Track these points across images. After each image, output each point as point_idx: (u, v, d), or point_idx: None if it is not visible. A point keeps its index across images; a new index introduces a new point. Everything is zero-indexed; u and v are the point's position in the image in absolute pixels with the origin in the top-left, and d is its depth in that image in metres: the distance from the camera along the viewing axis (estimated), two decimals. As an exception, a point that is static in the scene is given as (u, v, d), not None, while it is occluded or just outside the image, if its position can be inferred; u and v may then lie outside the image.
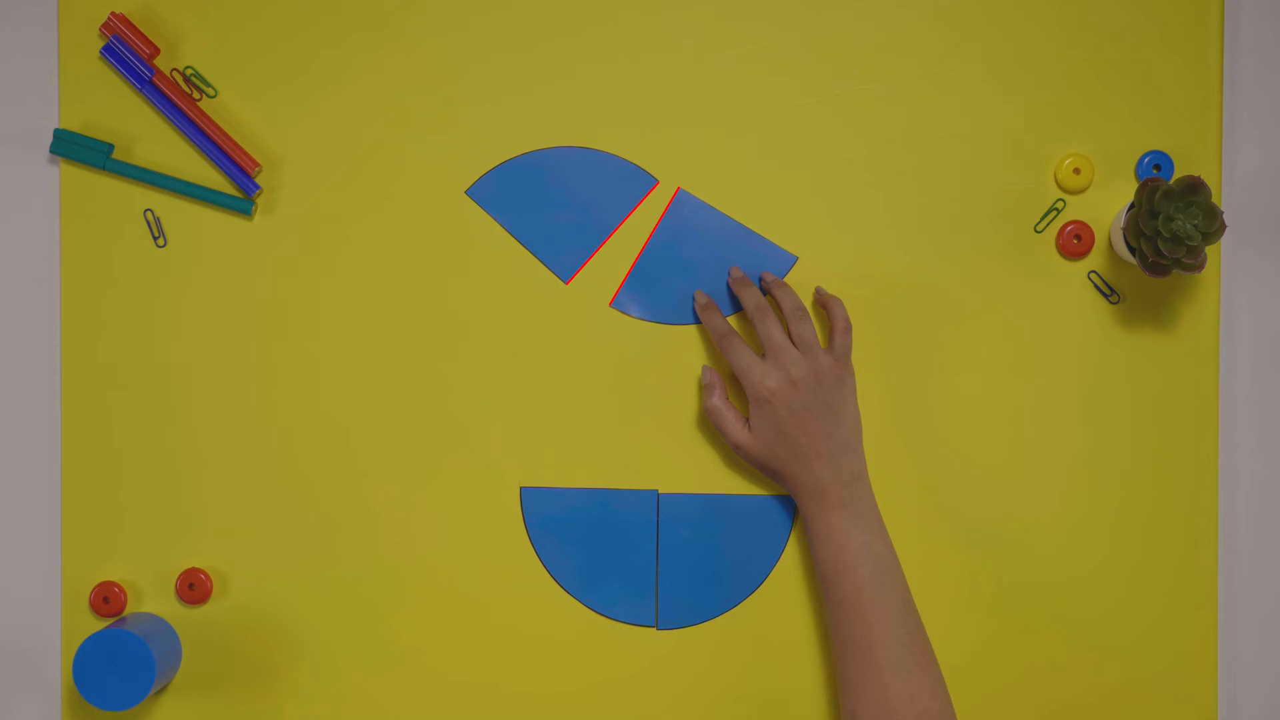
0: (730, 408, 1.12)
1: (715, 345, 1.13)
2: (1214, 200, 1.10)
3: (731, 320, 1.15)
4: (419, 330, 1.16)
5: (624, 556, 1.15)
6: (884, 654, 1.04)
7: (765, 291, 1.14)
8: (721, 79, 1.16)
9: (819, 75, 1.16)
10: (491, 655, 1.15)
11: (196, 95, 1.16)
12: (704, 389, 1.13)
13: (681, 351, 1.16)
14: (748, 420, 1.11)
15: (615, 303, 1.16)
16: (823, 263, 1.15)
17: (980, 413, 1.15)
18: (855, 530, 1.07)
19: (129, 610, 1.15)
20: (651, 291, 1.16)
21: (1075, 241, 1.15)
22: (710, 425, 1.15)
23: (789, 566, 1.15)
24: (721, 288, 1.16)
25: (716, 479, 1.15)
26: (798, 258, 1.15)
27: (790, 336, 1.11)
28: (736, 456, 1.14)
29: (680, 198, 1.16)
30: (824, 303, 1.13)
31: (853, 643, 1.05)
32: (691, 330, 1.16)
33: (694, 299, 1.15)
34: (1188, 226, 1.05)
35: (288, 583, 1.15)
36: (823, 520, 1.08)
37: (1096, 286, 1.15)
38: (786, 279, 1.15)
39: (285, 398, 1.15)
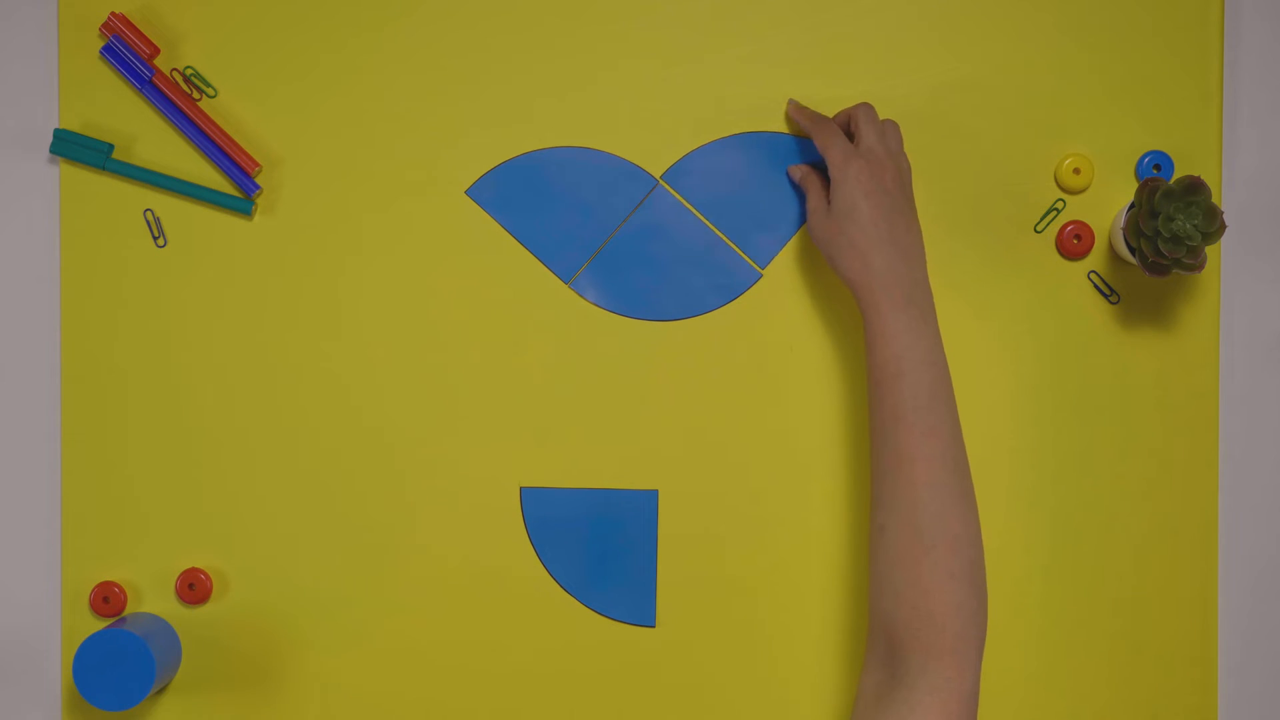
0: (819, 177, 1.11)
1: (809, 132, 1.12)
2: (1214, 200, 1.10)
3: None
4: (419, 330, 1.16)
5: (624, 556, 1.15)
6: (924, 470, 0.99)
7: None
8: (722, 79, 1.16)
9: (819, 75, 1.16)
10: (492, 655, 1.15)
11: (196, 95, 1.16)
12: (800, 179, 1.13)
13: (682, 351, 1.16)
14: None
15: (574, 284, 1.16)
16: (823, 261, 1.15)
17: (980, 412, 1.15)
18: (923, 334, 1.03)
19: (129, 610, 1.15)
20: (611, 280, 1.16)
21: (1075, 241, 1.15)
22: (711, 426, 1.15)
23: (791, 566, 1.15)
24: (681, 291, 1.15)
25: (717, 478, 1.15)
26: (762, 275, 1.15)
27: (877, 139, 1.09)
28: (742, 454, 1.14)
29: (658, 193, 1.16)
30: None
31: (895, 454, 1.01)
32: (679, 326, 1.16)
33: (788, 106, 1.14)
34: (1188, 226, 1.05)
35: (288, 583, 1.15)
36: (890, 318, 1.03)
37: (1096, 286, 1.15)
38: (744, 297, 1.15)
39: (285, 398, 1.15)
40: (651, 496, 1.15)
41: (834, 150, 1.08)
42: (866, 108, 1.11)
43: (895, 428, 1.01)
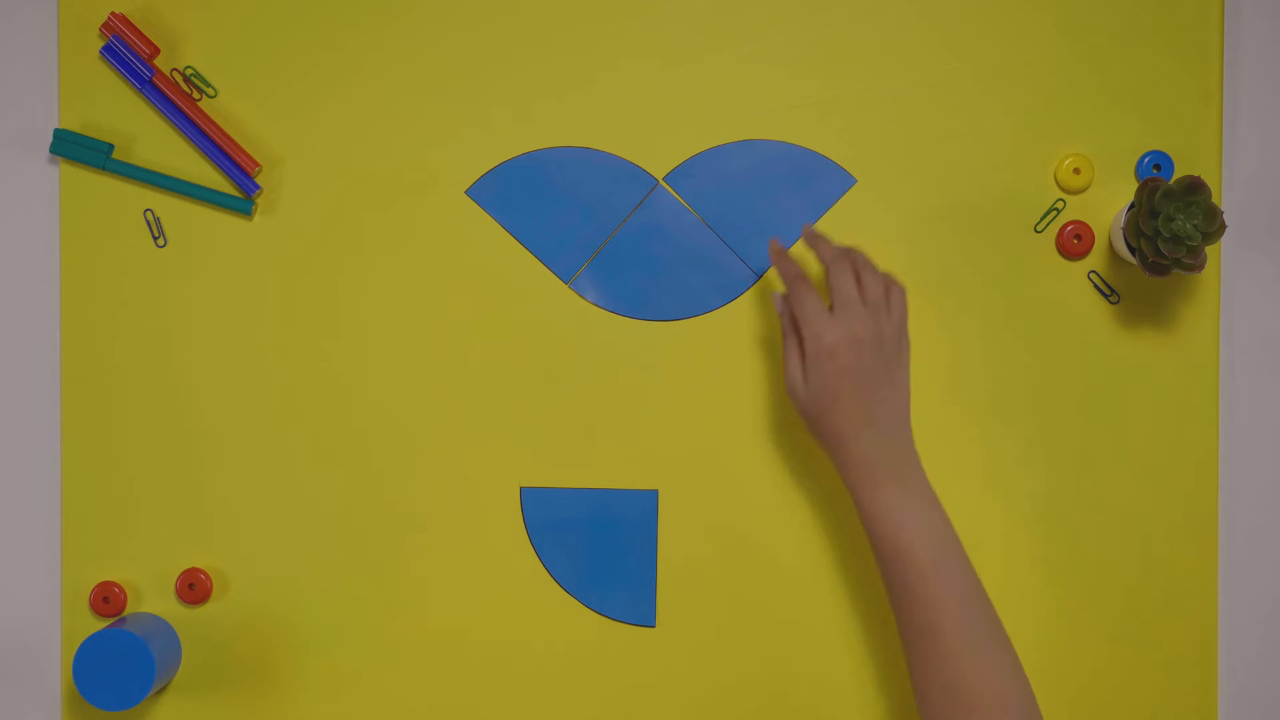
0: (799, 340, 1.07)
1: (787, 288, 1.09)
2: (1214, 200, 1.10)
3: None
4: (419, 330, 1.16)
5: (624, 556, 1.15)
6: (951, 637, 0.99)
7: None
8: (722, 79, 1.16)
9: (819, 75, 1.16)
10: (491, 655, 1.15)
11: (196, 95, 1.16)
12: (780, 315, 1.09)
13: (682, 351, 1.16)
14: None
15: (574, 284, 1.16)
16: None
17: (980, 412, 1.15)
18: (912, 506, 1.02)
19: (129, 610, 1.15)
20: (611, 280, 1.16)
21: (1075, 241, 1.15)
22: (711, 426, 1.15)
23: (791, 566, 1.15)
24: (680, 292, 1.15)
25: (717, 478, 1.15)
26: (758, 276, 1.15)
27: (862, 292, 1.06)
28: (742, 454, 1.15)
29: (658, 194, 1.16)
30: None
31: (918, 626, 1.00)
32: (679, 326, 1.16)
33: (769, 246, 1.11)
34: (1188, 226, 1.05)
35: (288, 583, 1.15)
36: (876, 497, 1.03)
37: (1096, 286, 1.15)
38: (744, 297, 1.15)
39: (285, 397, 1.15)
40: (651, 496, 1.15)
41: (809, 325, 1.05)
42: (839, 260, 1.07)
43: (909, 602, 1.01)
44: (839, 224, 1.15)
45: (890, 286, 1.08)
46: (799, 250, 1.14)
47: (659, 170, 1.16)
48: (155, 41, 1.15)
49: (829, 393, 1.04)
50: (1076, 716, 1.15)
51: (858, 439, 1.04)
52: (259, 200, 1.16)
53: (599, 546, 1.15)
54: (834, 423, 1.04)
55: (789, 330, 1.08)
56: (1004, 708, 0.98)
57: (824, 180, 1.15)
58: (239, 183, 1.15)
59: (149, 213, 1.16)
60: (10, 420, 1.16)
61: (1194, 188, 1.05)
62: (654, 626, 1.15)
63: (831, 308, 1.06)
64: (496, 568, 1.15)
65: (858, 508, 1.04)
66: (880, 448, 1.04)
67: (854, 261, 1.08)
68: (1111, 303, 1.15)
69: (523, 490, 1.15)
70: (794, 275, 1.08)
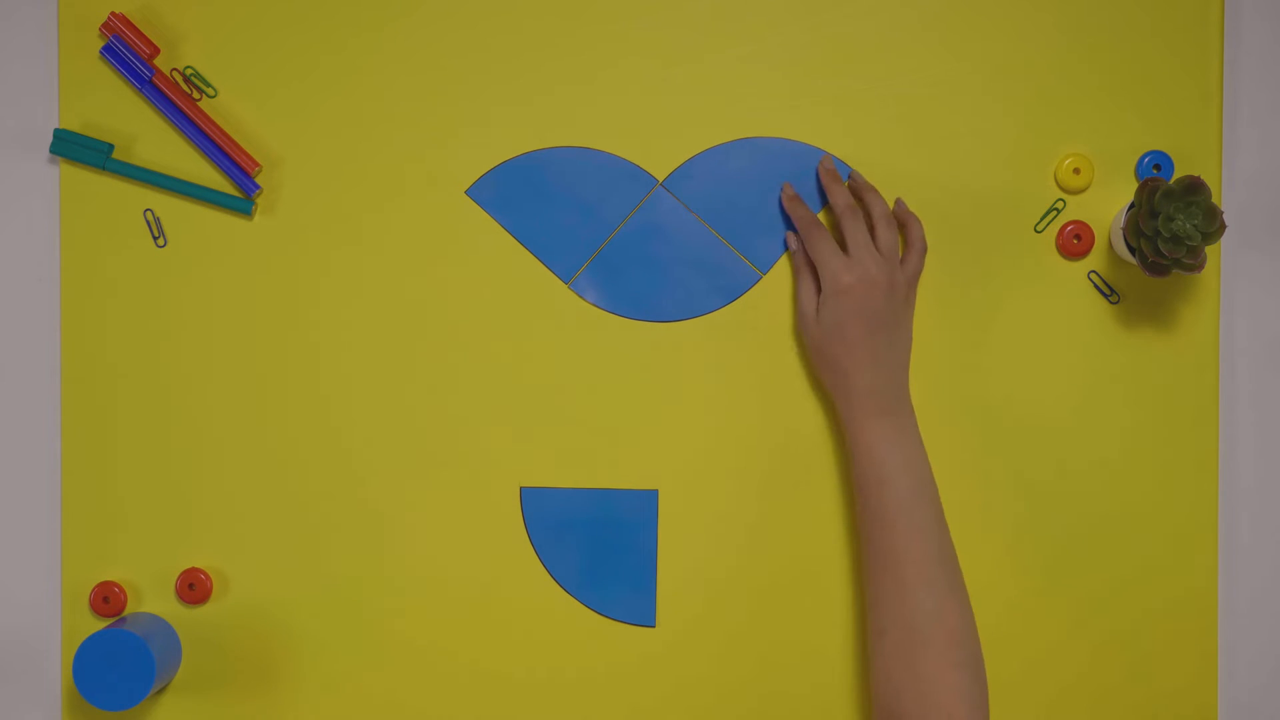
0: (811, 271, 1.12)
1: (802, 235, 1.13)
2: (1214, 200, 1.10)
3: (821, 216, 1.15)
4: (419, 330, 1.16)
5: (623, 556, 1.15)
6: (915, 571, 1.04)
7: (855, 195, 1.14)
8: (722, 79, 1.16)
9: (819, 75, 1.16)
10: (492, 655, 1.15)
11: (196, 95, 1.16)
12: (793, 253, 1.14)
13: (682, 352, 1.16)
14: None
15: (574, 284, 1.16)
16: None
17: (979, 413, 1.15)
18: (900, 441, 1.08)
19: (129, 610, 1.15)
20: (611, 281, 1.16)
21: (1075, 241, 1.15)
22: (711, 427, 1.15)
23: (791, 566, 1.15)
24: (681, 292, 1.15)
25: (717, 478, 1.15)
26: (760, 277, 1.15)
27: (875, 242, 1.11)
28: (742, 454, 1.15)
29: (657, 195, 1.16)
30: (903, 220, 1.13)
31: (885, 557, 1.05)
32: (679, 327, 1.16)
33: (781, 190, 1.14)
34: (1188, 226, 1.05)
35: (288, 583, 1.15)
36: (868, 427, 1.08)
37: (1096, 286, 1.15)
38: (744, 298, 1.15)
39: (285, 398, 1.15)
40: (651, 496, 1.15)
41: (826, 265, 1.10)
42: (853, 213, 1.12)
43: (882, 531, 1.06)
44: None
45: (913, 244, 1.12)
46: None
47: (659, 170, 1.16)
48: (155, 41, 1.15)
49: (840, 328, 1.09)
50: (1077, 716, 1.15)
51: (860, 373, 1.08)
52: (259, 200, 1.16)
53: (599, 546, 1.15)
54: (841, 356, 1.09)
55: (803, 267, 1.13)
56: (958, 645, 1.02)
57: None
58: (239, 183, 1.15)
59: (149, 213, 1.16)
60: (10, 420, 1.16)
61: (1194, 188, 1.05)
62: (654, 626, 1.15)
63: (847, 251, 1.10)
64: (497, 568, 1.15)
65: (849, 438, 1.09)
66: (880, 384, 1.09)
67: (872, 212, 1.12)
68: (1111, 303, 1.15)
69: (523, 490, 1.15)
70: (810, 221, 1.12)
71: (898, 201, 1.14)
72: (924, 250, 1.12)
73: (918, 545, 1.04)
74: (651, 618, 1.15)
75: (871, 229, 1.12)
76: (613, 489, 1.15)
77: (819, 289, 1.12)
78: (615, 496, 1.15)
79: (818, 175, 1.15)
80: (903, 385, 1.10)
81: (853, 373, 1.09)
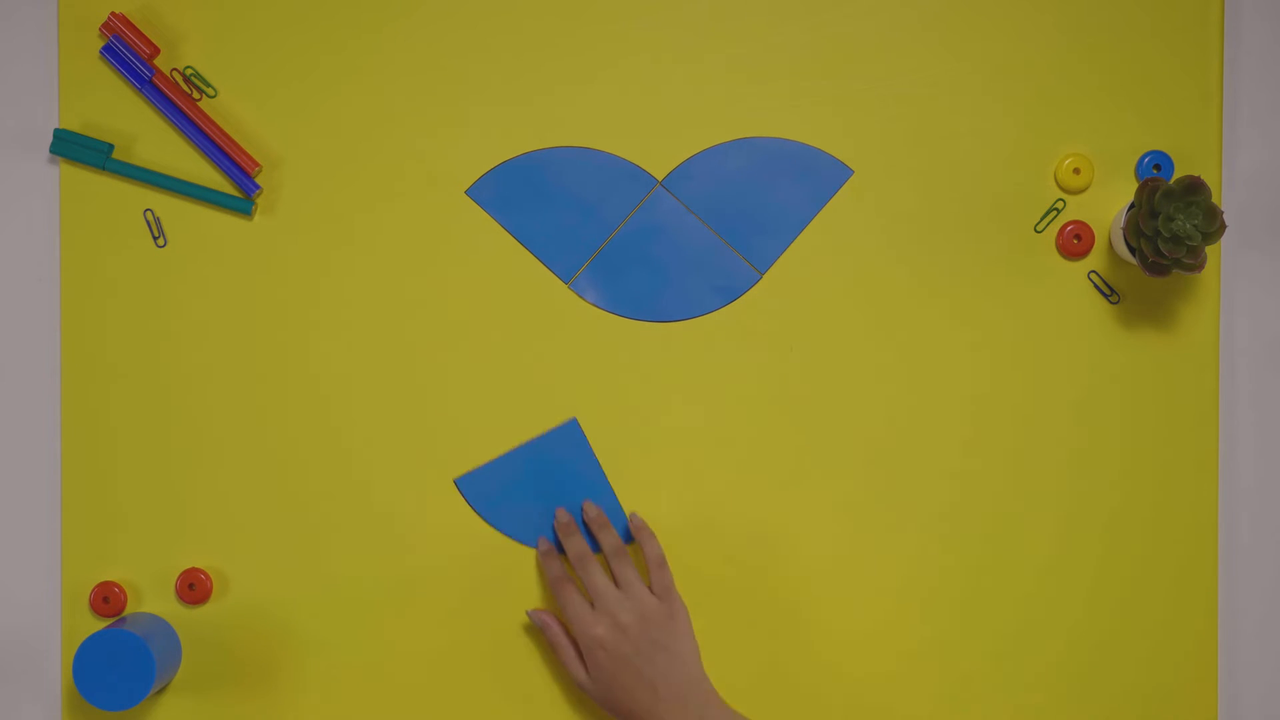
0: (572, 645, 1.12)
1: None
2: (1214, 200, 1.10)
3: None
4: (419, 330, 1.16)
5: (577, 490, 1.15)
6: None
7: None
8: (721, 79, 1.16)
9: (819, 75, 1.16)
10: (492, 655, 1.15)
11: (196, 95, 1.16)
12: (544, 628, 1.12)
13: (682, 352, 1.16)
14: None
15: (574, 285, 1.16)
16: (823, 262, 1.15)
17: (980, 413, 1.15)
18: None
19: (129, 610, 1.15)
20: (611, 281, 1.16)
21: (1075, 241, 1.15)
22: (711, 427, 1.15)
23: (791, 564, 1.15)
24: (681, 293, 1.15)
25: (717, 479, 1.15)
26: (760, 276, 1.15)
27: (614, 579, 1.11)
28: (742, 455, 1.15)
29: (657, 195, 1.16)
30: (637, 535, 1.13)
31: None
32: (679, 327, 1.16)
33: (539, 546, 1.14)
34: (1188, 226, 1.05)
35: (288, 583, 1.15)
36: None
37: (1096, 286, 1.15)
38: (744, 298, 1.15)
39: (285, 398, 1.15)
40: (572, 424, 1.15)
41: (576, 622, 1.10)
42: (584, 560, 1.11)
43: None
44: (840, 225, 1.15)
45: (650, 559, 1.12)
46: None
47: (659, 170, 1.16)
48: (155, 41, 1.15)
49: (612, 681, 1.09)
50: (1076, 716, 1.15)
51: (653, 715, 1.07)
52: (259, 200, 1.16)
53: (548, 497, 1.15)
54: (626, 707, 1.08)
55: (559, 635, 1.12)
56: None
57: (821, 174, 1.15)
58: (239, 183, 1.15)
59: (149, 213, 1.16)
60: (10, 420, 1.16)
61: (1194, 188, 1.05)
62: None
63: (592, 605, 1.11)
64: (497, 567, 1.15)
65: None
66: (677, 709, 1.07)
67: (604, 549, 1.12)
68: (1111, 303, 1.15)
69: (458, 481, 1.15)
70: (558, 578, 1.12)
71: (631, 517, 1.14)
72: (663, 562, 1.12)
73: None
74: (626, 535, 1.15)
75: (610, 566, 1.12)
76: (535, 437, 1.15)
77: (578, 650, 1.11)
78: (541, 443, 1.15)
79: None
80: (702, 703, 1.08)
81: (648, 714, 1.07)
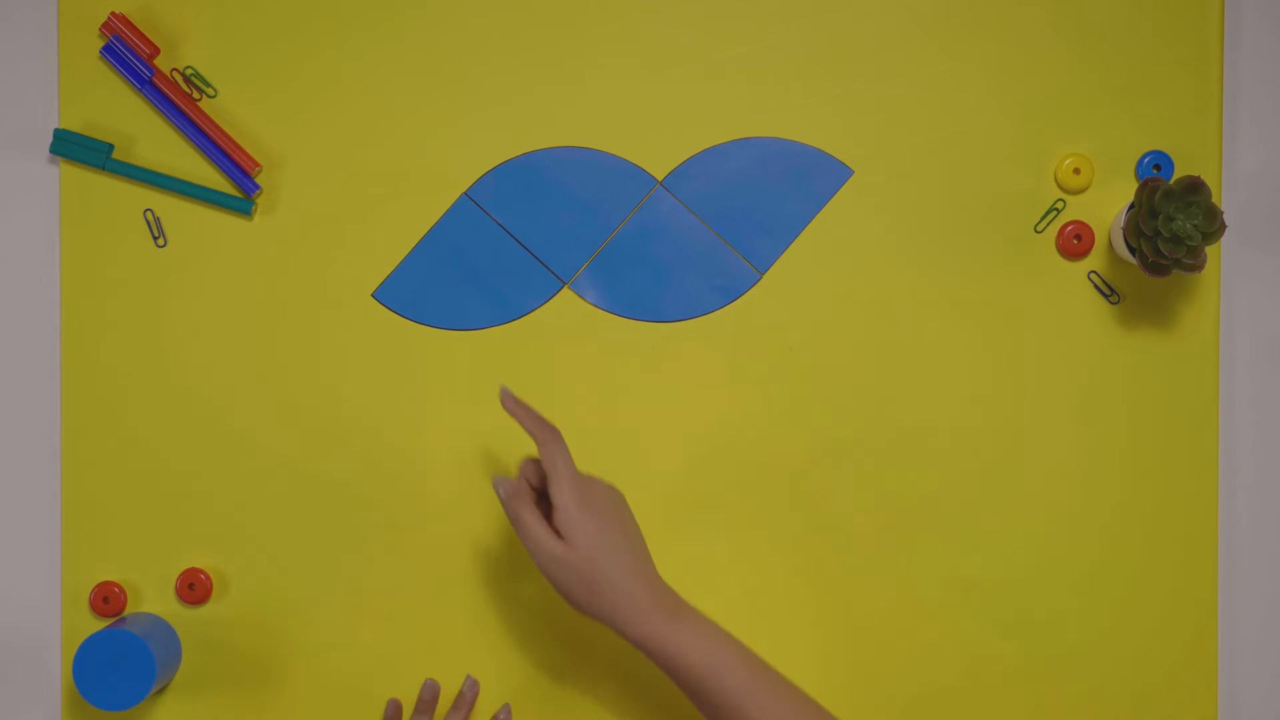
0: (530, 510, 1.01)
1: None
2: (1214, 200, 1.10)
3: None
4: (418, 330, 1.16)
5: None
6: None
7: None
8: (721, 79, 1.16)
9: (819, 75, 1.16)
10: (493, 655, 1.15)
11: (196, 95, 1.16)
12: (506, 499, 1.02)
13: (682, 352, 1.16)
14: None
15: (574, 285, 1.16)
16: (823, 262, 1.15)
17: (980, 413, 1.15)
18: (703, 628, 1.01)
19: (129, 610, 1.15)
20: (611, 281, 1.16)
21: (1075, 241, 1.15)
22: (711, 427, 1.15)
23: (791, 563, 1.15)
24: (681, 293, 1.15)
25: (717, 479, 1.15)
26: (760, 276, 1.15)
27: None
28: (741, 454, 1.15)
29: (657, 195, 1.16)
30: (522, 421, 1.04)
31: None
32: (679, 327, 1.16)
33: (503, 396, 1.05)
34: (1188, 226, 1.05)
35: (288, 583, 1.15)
36: (674, 634, 1.00)
37: (1096, 286, 1.15)
38: (744, 298, 1.15)
39: (285, 398, 1.15)
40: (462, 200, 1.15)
41: (571, 476, 1.01)
42: (557, 473, 1.01)
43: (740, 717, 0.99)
44: (840, 227, 1.15)
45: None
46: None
47: (659, 170, 1.16)
48: (155, 41, 1.15)
49: (606, 542, 1.00)
50: (1076, 716, 1.15)
51: (647, 575, 1.01)
52: (259, 200, 1.16)
53: None
54: (609, 569, 1.00)
55: (519, 509, 1.01)
56: None
57: (821, 173, 1.15)
58: (239, 183, 1.15)
59: (149, 213, 1.16)
60: (10, 420, 1.16)
61: (1194, 188, 1.05)
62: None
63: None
64: (497, 567, 1.15)
65: (656, 655, 1.00)
66: (656, 582, 1.02)
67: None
68: (1111, 303, 1.15)
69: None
70: (545, 429, 1.03)
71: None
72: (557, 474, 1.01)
73: (781, 707, 0.99)
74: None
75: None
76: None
77: (543, 518, 1.01)
78: None
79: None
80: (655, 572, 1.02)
81: (640, 581, 1.00)
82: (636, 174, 1.16)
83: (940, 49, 1.15)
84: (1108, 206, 1.15)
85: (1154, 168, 1.15)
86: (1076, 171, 1.15)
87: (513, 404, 1.05)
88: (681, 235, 1.16)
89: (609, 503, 1.03)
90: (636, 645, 1.01)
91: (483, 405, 1.15)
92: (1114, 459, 1.15)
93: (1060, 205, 1.15)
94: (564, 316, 1.15)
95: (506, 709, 1.14)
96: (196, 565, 1.15)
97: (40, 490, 1.16)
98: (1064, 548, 1.15)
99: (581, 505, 1.01)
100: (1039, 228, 1.15)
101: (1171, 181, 1.07)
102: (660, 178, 1.16)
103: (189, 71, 1.16)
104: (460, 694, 1.13)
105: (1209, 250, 1.08)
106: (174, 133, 1.16)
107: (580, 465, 1.15)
